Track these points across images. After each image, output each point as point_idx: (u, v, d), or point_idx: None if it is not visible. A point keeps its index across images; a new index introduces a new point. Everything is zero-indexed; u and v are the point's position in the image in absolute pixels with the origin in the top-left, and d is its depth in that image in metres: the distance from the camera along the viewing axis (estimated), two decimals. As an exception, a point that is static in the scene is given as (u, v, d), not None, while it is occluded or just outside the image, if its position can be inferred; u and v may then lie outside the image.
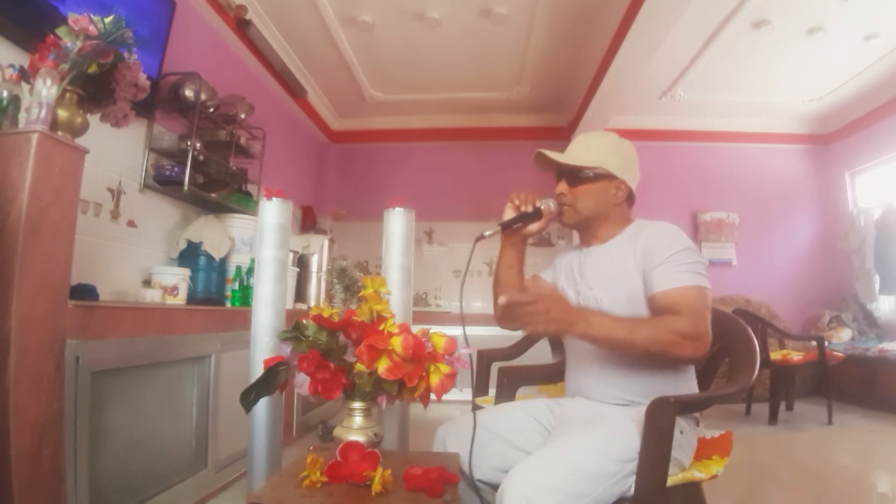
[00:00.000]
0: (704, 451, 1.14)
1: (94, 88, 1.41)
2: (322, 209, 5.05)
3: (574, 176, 1.21)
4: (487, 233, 1.18)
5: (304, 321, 0.97)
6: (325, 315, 0.96)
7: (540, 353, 1.83)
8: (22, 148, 1.20)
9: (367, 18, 3.53)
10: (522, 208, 1.22)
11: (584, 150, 1.23)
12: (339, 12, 3.48)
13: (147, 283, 2.35)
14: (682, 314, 1.01)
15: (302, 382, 0.95)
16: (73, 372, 1.35)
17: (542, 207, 1.21)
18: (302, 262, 3.46)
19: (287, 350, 0.99)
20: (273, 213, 1.35)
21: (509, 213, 1.24)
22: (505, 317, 1.02)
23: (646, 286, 1.10)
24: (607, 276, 1.17)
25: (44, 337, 1.23)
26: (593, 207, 1.21)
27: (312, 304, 3.42)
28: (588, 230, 1.27)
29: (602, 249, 1.23)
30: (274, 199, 1.35)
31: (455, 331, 1.24)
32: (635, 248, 1.14)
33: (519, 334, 1.76)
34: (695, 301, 1.03)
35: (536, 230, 1.25)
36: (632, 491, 0.95)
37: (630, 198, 1.25)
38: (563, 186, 1.23)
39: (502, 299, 0.98)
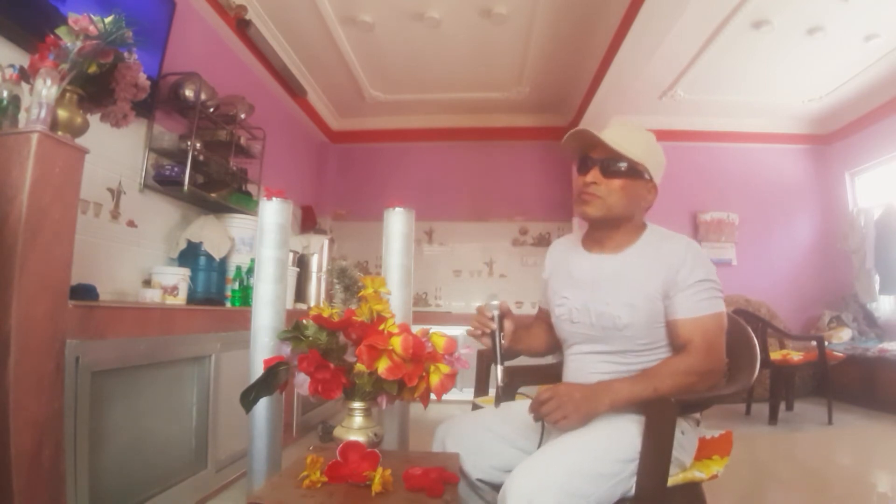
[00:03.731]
0: (704, 451, 1.14)
1: (94, 88, 1.40)
2: (322, 209, 5.05)
3: (611, 166, 1.09)
4: (500, 379, 1.06)
5: (304, 321, 0.97)
6: (325, 315, 0.96)
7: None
8: (22, 148, 1.20)
9: (367, 18, 3.52)
10: (485, 330, 1.13)
11: (626, 141, 1.09)
12: (339, 12, 3.48)
13: (147, 283, 2.35)
14: (695, 350, 1.03)
15: (302, 382, 0.95)
16: (73, 372, 1.34)
17: (497, 313, 1.12)
18: (302, 262, 3.46)
19: (287, 350, 0.99)
20: (273, 213, 1.35)
21: (487, 341, 1.14)
22: (536, 418, 1.02)
23: (666, 309, 1.08)
24: (627, 296, 1.09)
25: (44, 337, 1.23)
26: (625, 207, 1.11)
27: (312, 304, 3.42)
28: (603, 230, 1.17)
29: (616, 260, 1.14)
30: (274, 199, 1.35)
31: (455, 331, 1.24)
32: (657, 268, 1.08)
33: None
34: (711, 332, 1.05)
35: (511, 327, 1.15)
36: (633, 491, 0.95)
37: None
38: (595, 175, 1.10)
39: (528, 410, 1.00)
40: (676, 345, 1.08)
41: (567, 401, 0.97)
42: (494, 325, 1.12)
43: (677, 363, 1.04)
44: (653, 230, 1.17)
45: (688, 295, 1.06)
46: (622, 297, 1.09)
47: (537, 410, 1.00)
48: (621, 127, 1.14)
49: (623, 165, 1.09)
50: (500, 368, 1.08)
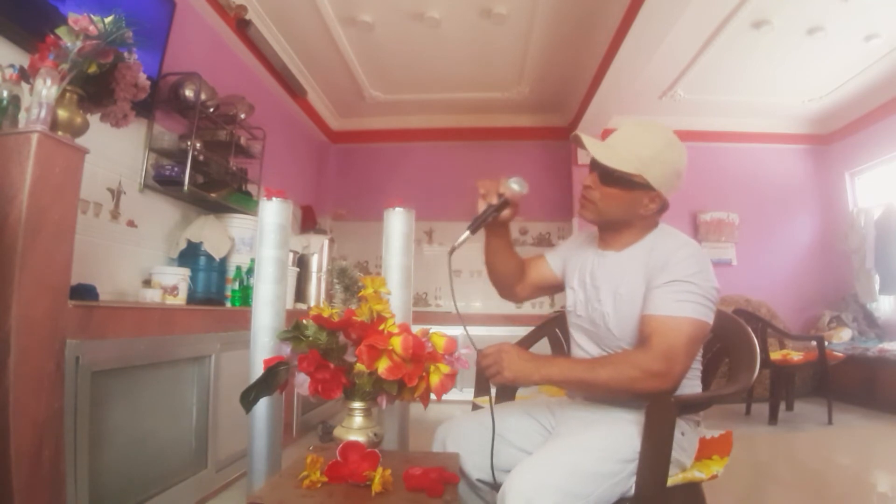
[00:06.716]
0: (704, 451, 1.14)
1: (94, 88, 1.40)
2: (322, 209, 5.05)
3: (608, 174, 1.07)
4: (459, 241, 1.11)
5: (304, 321, 0.97)
6: (325, 315, 0.96)
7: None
8: (22, 148, 1.20)
9: (367, 18, 3.53)
10: (488, 199, 1.15)
11: (630, 145, 1.07)
12: (339, 12, 3.48)
13: (147, 283, 2.35)
14: (652, 348, 0.97)
15: (302, 382, 0.95)
16: (73, 372, 1.34)
17: (506, 194, 1.13)
18: (302, 262, 3.46)
19: (287, 350, 0.99)
20: (273, 213, 1.35)
21: (482, 206, 1.17)
22: (479, 371, 1.06)
23: (643, 303, 1.05)
24: (615, 292, 1.10)
25: (44, 337, 1.23)
26: (618, 214, 1.11)
27: (312, 304, 3.41)
28: (606, 231, 1.18)
29: (616, 258, 1.14)
30: (274, 199, 1.35)
31: (455, 331, 1.24)
32: (647, 264, 1.07)
33: (521, 333, 1.76)
34: (675, 335, 0.96)
35: (510, 217, 1.17)
36: (632, 491, 0.95)
37: (663, 207, 1.12)
38: (592, 179, 1.10)
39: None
40: (639, 340, 1.03)
41: (504, 358, 1.00)
42: (496, 202, 1.14)
43: (627, 355, 1.01)
44: (661, 230, 1.14)
45: (662, 292, 1.00)
46: (611, 293, 1.11)
47: (479, 363, 1.03)
48: (632, 129, 1.10)
49: (618, 177, 1.06)
50: (467, 234, 1.13)
